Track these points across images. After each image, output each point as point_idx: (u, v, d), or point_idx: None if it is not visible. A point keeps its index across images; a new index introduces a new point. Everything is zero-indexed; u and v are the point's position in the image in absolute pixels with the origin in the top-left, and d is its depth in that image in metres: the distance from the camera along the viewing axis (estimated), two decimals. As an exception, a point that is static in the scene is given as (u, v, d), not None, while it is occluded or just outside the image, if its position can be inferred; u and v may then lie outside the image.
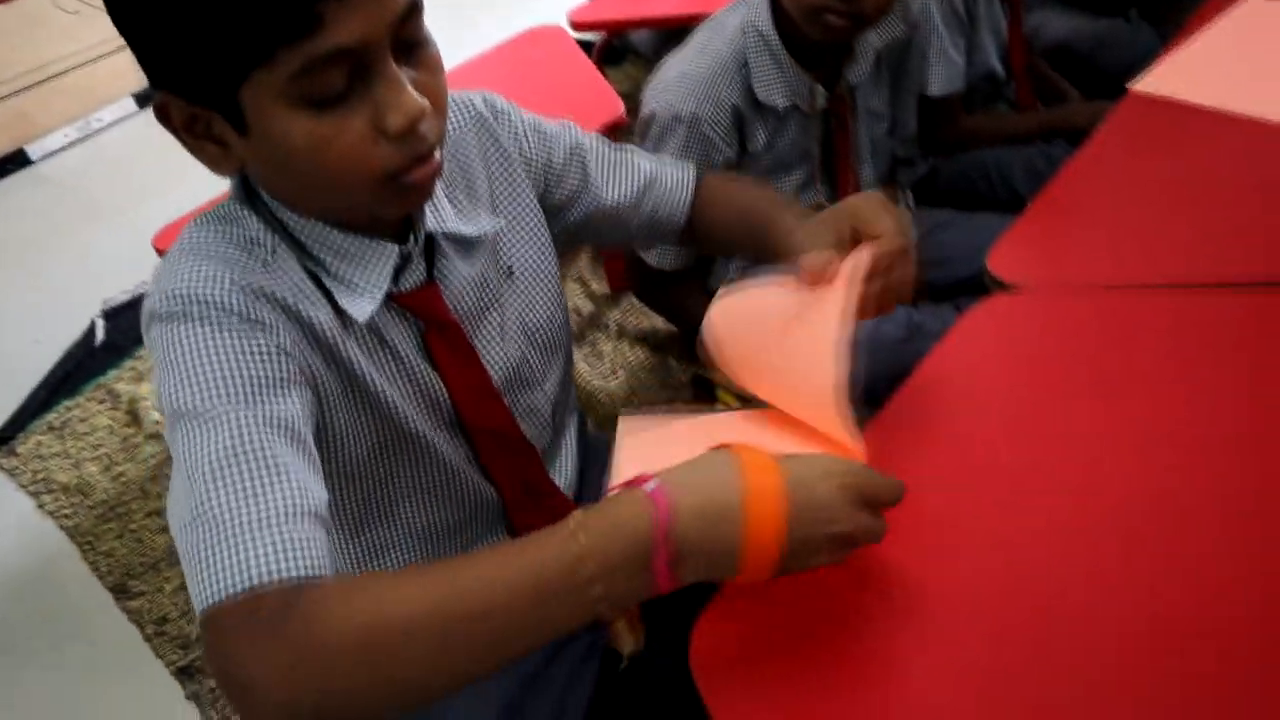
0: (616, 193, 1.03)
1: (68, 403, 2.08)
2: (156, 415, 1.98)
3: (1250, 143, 1.23)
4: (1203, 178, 1.19)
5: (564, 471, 1.08)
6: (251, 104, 0.67)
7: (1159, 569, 0.73)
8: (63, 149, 3.32)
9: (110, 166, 3.21)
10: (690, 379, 1.78)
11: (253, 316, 0.72)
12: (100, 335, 2.31)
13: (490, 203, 0.93)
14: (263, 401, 0.68)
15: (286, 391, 0.71)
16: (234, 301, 0.71)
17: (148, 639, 1.52)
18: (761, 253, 0.98)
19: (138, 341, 2.24)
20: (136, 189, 3.02)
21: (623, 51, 3.08)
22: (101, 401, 2.06)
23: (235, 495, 0.62)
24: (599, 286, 2.01)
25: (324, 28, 0.63)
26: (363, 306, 0.79)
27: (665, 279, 1.64)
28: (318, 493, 0.67)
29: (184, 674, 1.46)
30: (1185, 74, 1.38)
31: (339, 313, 0.79)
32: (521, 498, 0.99)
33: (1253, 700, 0.64)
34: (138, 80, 3.56)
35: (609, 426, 1.71)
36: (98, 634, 1.56)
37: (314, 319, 0.77)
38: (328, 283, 0.79)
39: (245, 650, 0.58)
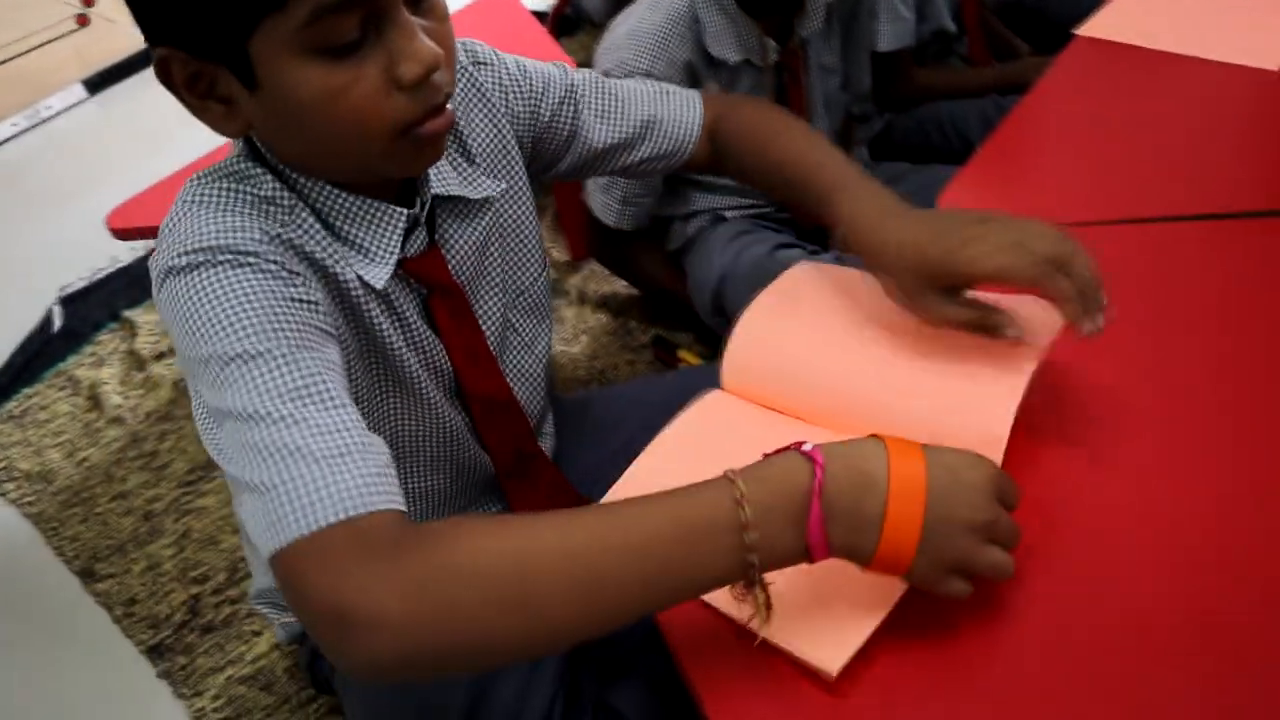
0: (611, 135, 0.99)
1: (27, 390, 2.05)
2: (118, 399, 1.96)
3: (1191, 82, 1.25)
4: (1147, 118, 1.21)
5: (547, 437, 1.09)
6: (261, 55, 0.65)
7: (1107, 515, 0.75)
8: (11, 138, 3.26)
9: (61, 154, 3.15)
10: (651, 340, 1.79)
11: (287, 265, 0.70)
12: (58, 322, 2.27)
13: (487, 164, 0.92)
14: (315, 347, 0.67)
15: (329, 342, 0.70)
16: (266, 249, 0.69)
17: (116, 620, 1.51)
18: (812, 216, 0.93)
19: (96, 327, 2.21)
20: (88, 176, 2.97)
21: (577, 20, 3.05)
22: (62, 388, 2.04)
23: (313, 429, 0.61)
24: (559, 254, 2.01)
25: None
26: (378, 272, 0.79)
27: (622, 239, 1.64)
28: (379, 439, 0.65)
29: (154, 653, 1.45)
30: (1128, 18, 1.40)
31: (358, 275, 0.79)
32: (513, 465, 1.00)
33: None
34: (86, 66, 3.50)
35: (572, 389, 1.72)
36: (65, 618, 1.55)
37: (339, 275, 0.77)
38: (343, 247, 0.78)
39: (362, 573, 0.56)
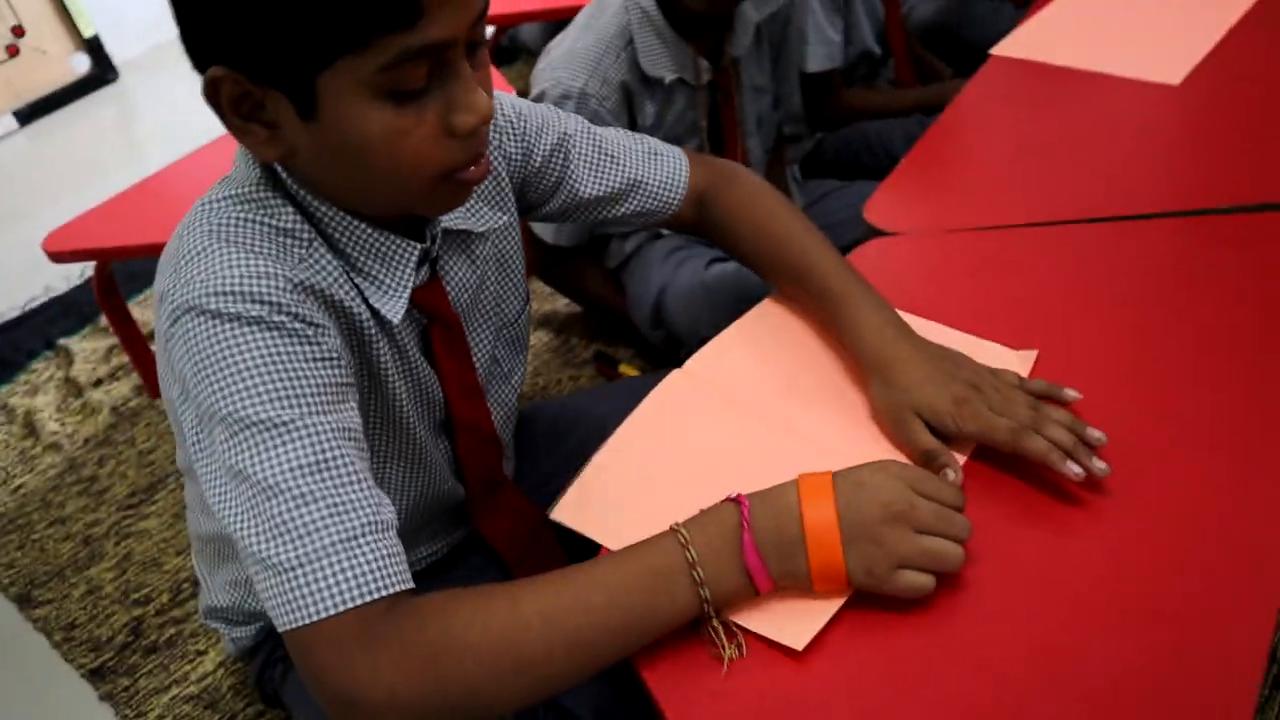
0: (598, 188, 1.01)
1: (-41, 420, 2.02)
2: (55, 426, 1.93)
3: (1099, 96, 1.33)
4: (1059, 128, 1.28)
5: (509, 461, 1.10)
6: (329, 90, 0.65)
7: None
8: (-58, 169, 3.21)
9: (-7, 184, 3.11)
10: (593, 355, 1.82)
11: (311, 319, 0.70)
12: (-10, 352, 2.24)
13: (486, 198, 0.93)
14: (333, 410, 0.68)
15: (347, 398, 0.71)
16: (292, 301, 0.69)
17: (56, 645, 1.49)
18: (804, 305, 0.98)
19: (30, 355, 2.18)
20: (21, 206, 2.94)
21: (514, 50, 3.10)
22: (-6, 417, 2.01)
23: (327, 509, 0.64)
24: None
25: (423, 20, 0.63)
26: (394, 306, 0.79)
27: (562, 255, 1.67)
28: (388, 502, 0.68)
29: (96, 675, 1.43)
30: (1040, 37, 1.49)
31: (371, 310, 0.79)
32: (483, 494, 1.01)
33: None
34: (16, 98, 3.46)
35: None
36: (3, 646, 1.52)
37: (353, 312, 0.77)
38: (358, 280, 0.78)
39: (370, 659, 0.61)
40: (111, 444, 1.86)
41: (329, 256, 0.76)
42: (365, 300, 0.79)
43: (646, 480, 0.78)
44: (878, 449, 0.82)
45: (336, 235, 0.77)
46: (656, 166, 1.03)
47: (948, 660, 0.66)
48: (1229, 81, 1.28)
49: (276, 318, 0.68)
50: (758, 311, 1.01)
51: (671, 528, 0.70)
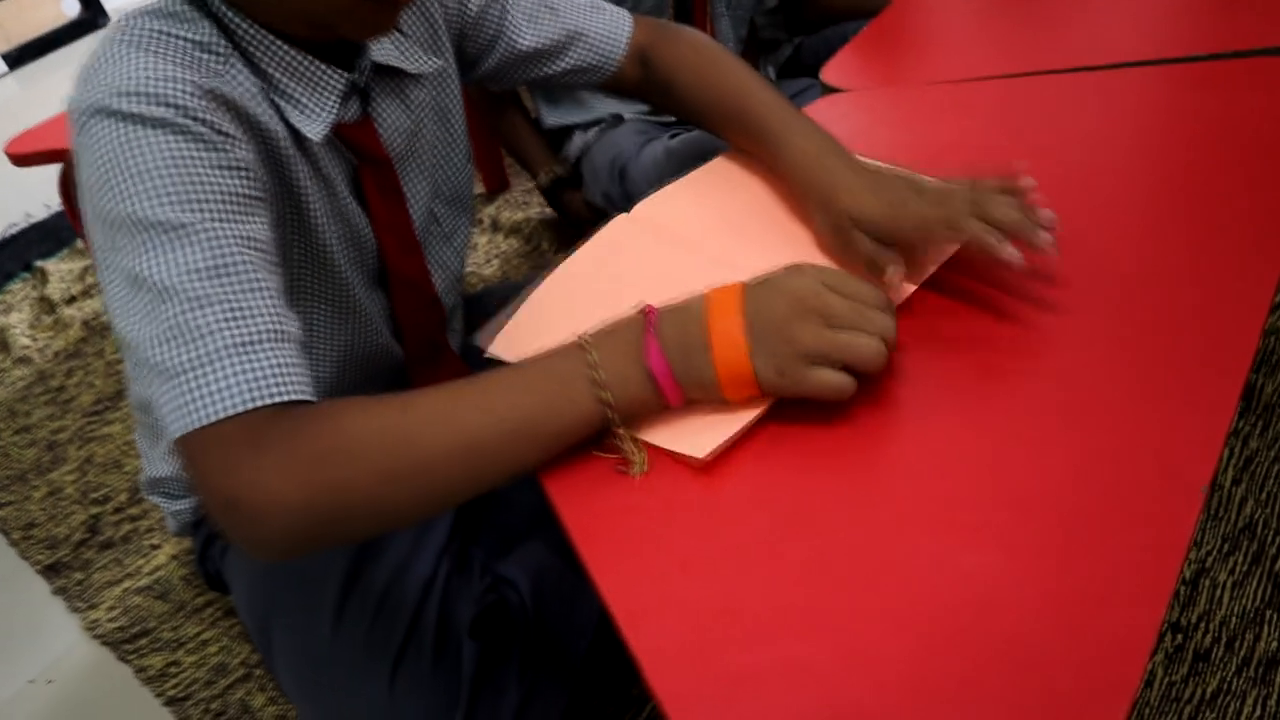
0: (536, 40, 0.97)
1: (-67, 336, 2.01)
2: (26, 341, 1.91)
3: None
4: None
5: (455, 334, 1.07)
6: None
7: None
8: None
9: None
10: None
11: (220, 127, 0.68)
12: (-33, 276, 2.23)
13: (420, 42, 0.90)
14: (239, 219, 0.65)
15: (255, 211, 0.68)
16: (200, 107, 0.66)
17: (14, 544, 1.47)
18: (748, 148, 0.94)
19: (8, 277, 2.17)
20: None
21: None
22: (-33, 336, 1.99)
23: (224, 312, 0.61)
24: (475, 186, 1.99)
25: None
26: (314, 126, 0.76)
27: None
28: (294, 318, 0.65)
29: (50, 571, 1.42)
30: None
31: (290, 132, 0.76)
32: (424, 358, 0.98)
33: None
34: (6, 41, 3.44)
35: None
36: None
37: (271, 131, 0.74)
38: (278, 99, 0.75)
39: (255, 464, 0.58)
40: (81, 356, 1.84)
41: (246, 73, 0.73)
42: (284, 120, 0.76)
43: (585, 314, 0.72)
44: None
45: (258, 54, 0.74)
46: (598, 19, 1.00)
47: (868, 476, 0.62)
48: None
49: (182, 120, 0.65)
50: (709, 166, 0.97)
51: (576, 338, 0.66)
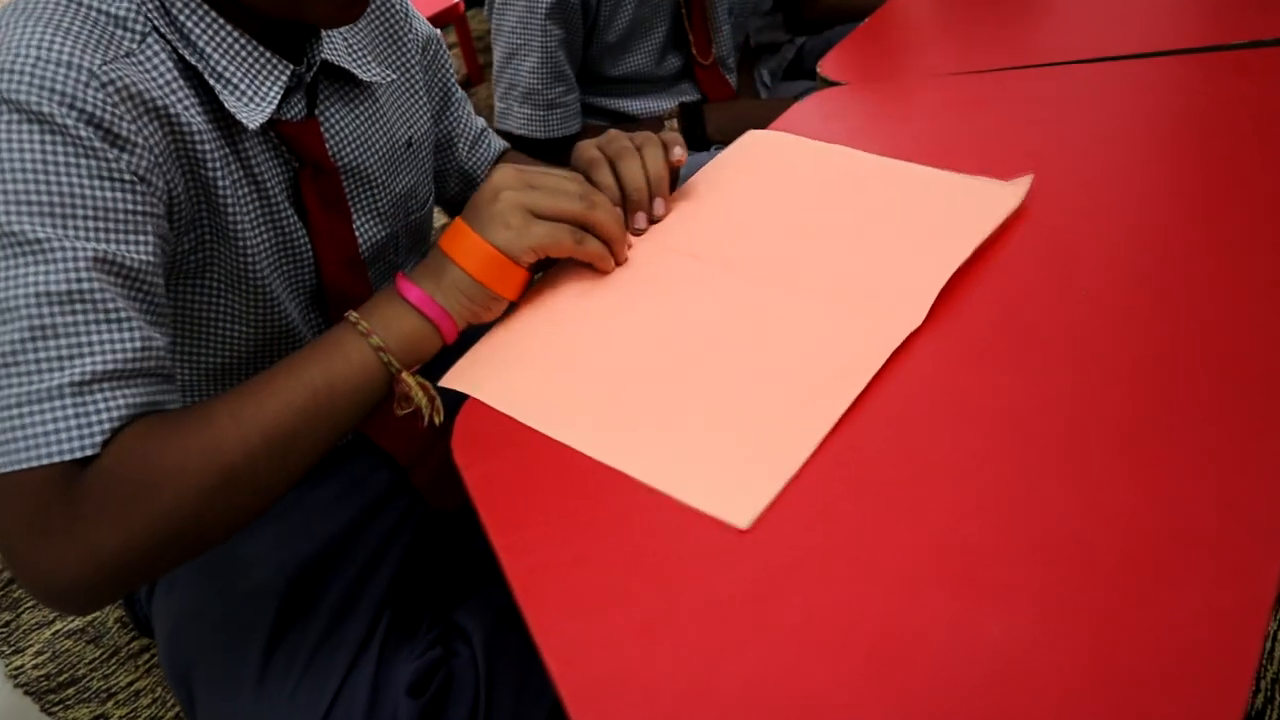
0: (465, 126, 0.99)
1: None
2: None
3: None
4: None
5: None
6: None
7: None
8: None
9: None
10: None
11: (112, 128, 0.59)
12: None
13: (377, 53, 0.85)
14: (110, 238, 0.59)
15: (139, 226, 0.61)
16: (91, 103, 0.58)
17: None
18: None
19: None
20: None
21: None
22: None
23: (65, 348, 0.55)
24: (437, 217, 1.92)
25: None
26: (253, 113, 0.69)
27: (551, 151, 1.54)
28: (158, 341, 0.60)
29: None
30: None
31: (216, 122, 0.68)
32: None
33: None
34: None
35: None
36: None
37: (186, 124, 0.66)
38: (212, 81, 0.67)
39: (71, 512, 0.53)
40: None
41: (163, 55, 0.65)
42: (206, 110, 0.67)
43: (548, 341, 0.68)
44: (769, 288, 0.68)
45: (196, 30, 0.66)
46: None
47: (870, 525, 0.51)
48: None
49: (63, 118, 0.57)
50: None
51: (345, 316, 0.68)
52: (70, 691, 1.17)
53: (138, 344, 0.57)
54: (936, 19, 1.13)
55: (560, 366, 0.66)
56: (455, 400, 0.65)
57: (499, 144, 1.05)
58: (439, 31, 0.95)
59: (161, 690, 1.15)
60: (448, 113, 0.97)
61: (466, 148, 1.00)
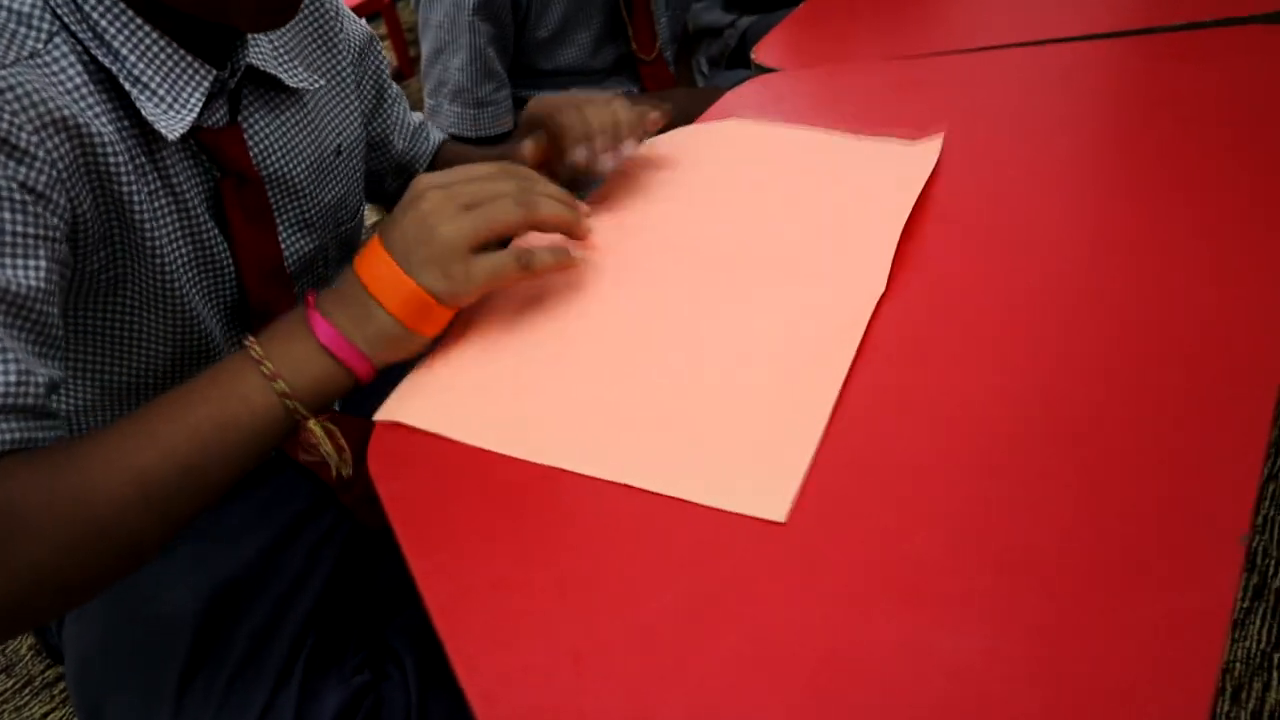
0: (400, 122, 0.96)
1: None
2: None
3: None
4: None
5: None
6: None
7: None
8: None
9: None
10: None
11: (8, 139, 0.55)
12: None
13: (305, 58, 0.80)
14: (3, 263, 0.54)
15: (28, 254, 0.55)
16: None
17: None
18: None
19: None
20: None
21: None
22: None
23: None
24: (371, 215, 1.89)
25: None
26: (173, 122, 0.65)
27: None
28: (39, 376, 0.54)
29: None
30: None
31: (129, 130, 0.64)
32: None
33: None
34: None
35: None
36: None
37: (96, 134, 0.61)
38: (129, 86, 0.63)
39: None
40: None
41: (71, 58, 0.60)
42: (119, 118, 0.63)
43: (502, 359, 0.63)
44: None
45: (111, 31, 0.62)
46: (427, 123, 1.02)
47: (815, 534, 0.48)
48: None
49: None
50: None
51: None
52: (-20, 725, 1.11)
53: (12, 379, 0.52)
54: (870, 3, 1.12)
55: (527, 386, 0.61)
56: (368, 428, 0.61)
57: (437, 136, 1.03)
58: (370, 29, 0.92)
59: (78, 721, 1.09)
60: (380, 110, 0.93)
61: (404, 142, 0.97)
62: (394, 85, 0.96)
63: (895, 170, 0.73)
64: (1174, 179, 0.67)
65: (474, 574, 0.48)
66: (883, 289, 0.60)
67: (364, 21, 0.91)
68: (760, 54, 1.01)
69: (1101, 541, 0.43)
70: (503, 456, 0.54)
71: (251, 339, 0.60)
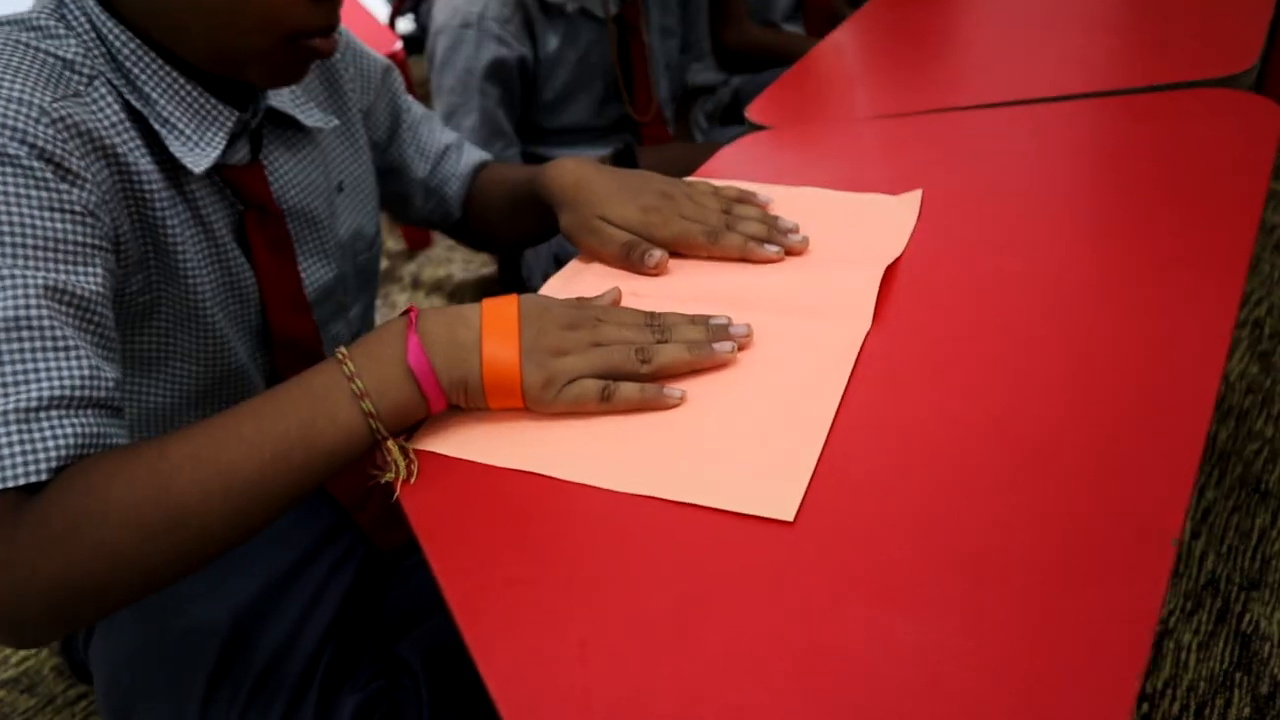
0: (422, 146, 1.00)
1: None
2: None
3: (987, 5, 1.27)
4: (954, 29, 1.20)
5: None
6: None
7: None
8: None
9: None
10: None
11: (62, 162, 0.61)
12: None
13: (319, 100, 0.87)
14: (58, 268, 0.59)
15: (88, 258, 0.61)
16: (42, 138, 0.60)
17: None
18: (533, 211, 0.92)
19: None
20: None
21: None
22: None
23: (9, 374, 0.55)
24: (395, 244, 1.95)
25: None
26: (198, 159, 0.70)
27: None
28: (107, 373, 0.59)
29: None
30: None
31: (162, 164, 0.70)
32: None
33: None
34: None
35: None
36: None
37: (133, 164, 0.67)
38: (159, 127, 0.69)
39: (10, 539, 0.51)
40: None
41: (110, 99, 0.66)
42: (154, 152, 0.69)
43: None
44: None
45: (143, 77, 0.68)
46: (462, 141, 1.06)
47: (789, 539, 0.53)
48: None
49: (14, 149, 0.58)
50: None
51: (336, 351, 0.62)
52: (3, 742, 1.15)
53: (85, 373, 0.57)
54: (857, 65, 1.19)
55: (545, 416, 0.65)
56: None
57: (475, 157, 1.05)
58: (388, 60, 0.97)
59: (98, 738, 1.13)
60: (397, 136, 0.99)
61: (426, 166, 1.02)
62: (416, 110, 1.01)
63: (886, 218, 0.79)
64: (1127, 224, 0.73)
65: (490, 573, 0.53)
66: (869, 324, 0.66)
67: (379, 55, 0.96)
68: (753, 112, 1.08)
69: (1052, 543, 0.48)
70: (513, 471, 0.59)
71: (344, 352, 0.61)
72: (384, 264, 1.89)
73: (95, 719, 1.16)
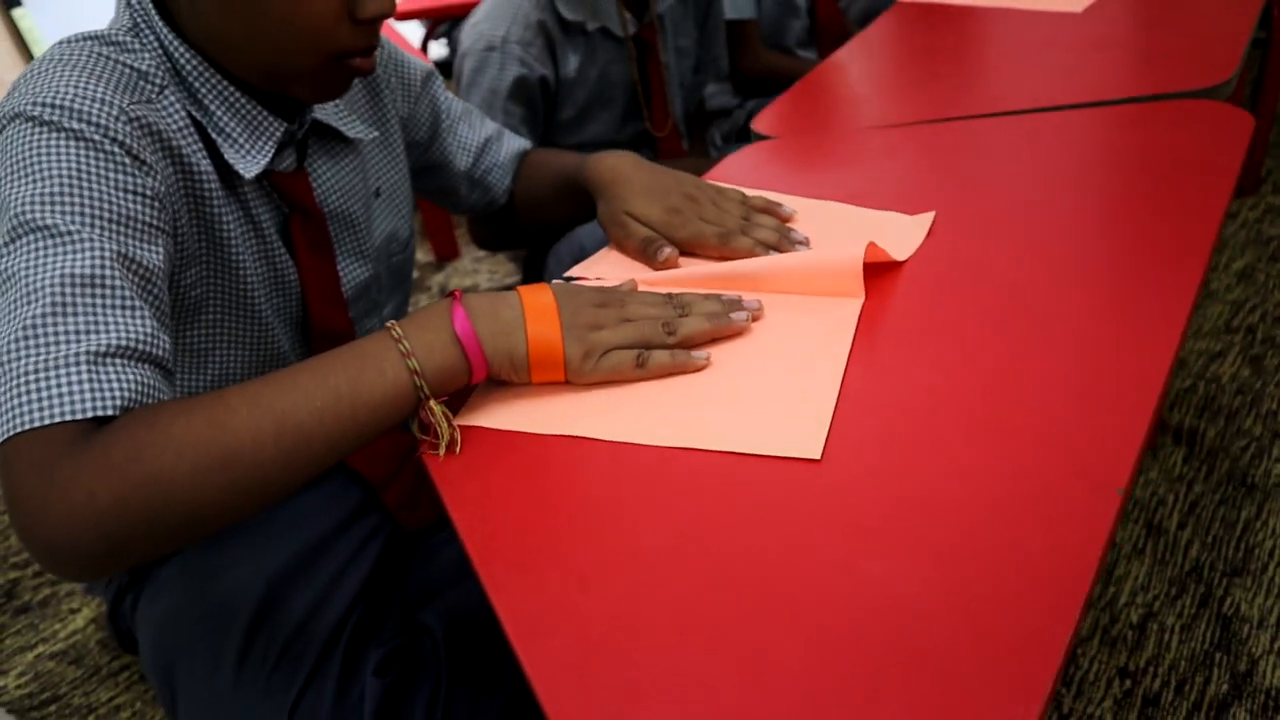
0: (463, 141, 1.06)
1: None
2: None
3: (1004, 24, 1.30)
4: (958, 48, 1.25)
5: None
6: None
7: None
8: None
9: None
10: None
11: (137, 154, 0.68)
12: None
13: (361, 112, 0.93)
14: (130, 242, 0.65)
15: (154, 239, 0.67)
16: (120, 130, 0.67)
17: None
18: (578, 196, 0.98)
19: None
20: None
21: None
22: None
23: (84, 322, 0.60)
24: (423, 255, 2.01)
25: None
26: (249, 165, 0.77)
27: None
28: (164, 341, 0.63)
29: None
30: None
31: (217, 169, 0.77)
32: None
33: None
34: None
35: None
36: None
37: (195, 164, 0.74)
38: (215, 135, 0.76)
39: (74, 463, 0.54)
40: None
41: (177, 106, 0.74)
42: (212, 157, 0.76)
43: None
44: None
45: (202, 89, 0.75)
46: (503, 131, 1.12)
47: (770, 484, 0.59)
48: (1128, 7, 1.26)
49: (97, 137, 0.65)
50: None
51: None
52: (52, 709, 1.21)
53: (149, 330, 0.62)
54: (857, 80, 1.24)
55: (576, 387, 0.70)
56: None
57: (516, 145, 1.12)
58: (431, 65, 1.04)
59: (141, 704, 1.19)
60: (438, 136, 1.05)
61: (468, 160, 1.08)
62: (456, 108, 1.07)
63: (896, 233, 0.83)
64: (1104, 218, 0.78)
65: (501, 519, 0.58)
66: (862, 294, 0.73)
67: (420, 61, 1.01)
68: (759, 124, 1.13)
69: (1017, 493, 0.53)
70: (525, 434, 0.65)
71: (393, 322, 0.66)
72: (414, 274, 1.96)
73: (138, 687, 1.22)
